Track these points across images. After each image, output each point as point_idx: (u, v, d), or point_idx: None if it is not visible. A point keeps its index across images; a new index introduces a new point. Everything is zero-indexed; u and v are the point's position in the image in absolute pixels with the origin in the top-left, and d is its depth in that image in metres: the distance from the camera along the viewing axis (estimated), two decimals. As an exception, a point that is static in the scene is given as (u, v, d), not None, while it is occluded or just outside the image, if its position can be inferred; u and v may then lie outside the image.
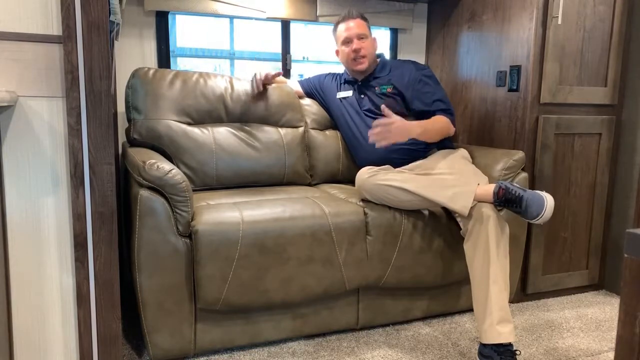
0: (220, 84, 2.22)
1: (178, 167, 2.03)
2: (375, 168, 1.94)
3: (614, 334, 2.02)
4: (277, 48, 2.67)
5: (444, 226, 1.97)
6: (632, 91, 2.36)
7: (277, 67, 2.70)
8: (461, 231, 1.91)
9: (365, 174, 1.92)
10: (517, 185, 1.74)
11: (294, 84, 2.45)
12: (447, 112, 2.13)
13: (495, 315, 1.68)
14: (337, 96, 2.37)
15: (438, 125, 2.07)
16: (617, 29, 2.30)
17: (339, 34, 2.27)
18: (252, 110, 2.24)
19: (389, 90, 2.24)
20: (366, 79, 2.30)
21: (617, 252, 2.45)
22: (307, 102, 2.43)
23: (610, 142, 2.38)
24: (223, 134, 2.15)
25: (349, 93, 2.34)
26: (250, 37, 2.69)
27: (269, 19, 2.55)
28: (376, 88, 2.26)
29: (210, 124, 2.17)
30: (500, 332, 1.67)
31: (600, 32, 2.29)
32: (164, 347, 1.69)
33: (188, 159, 2.06)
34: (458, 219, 1.94)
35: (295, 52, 2.70)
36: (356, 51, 2.22)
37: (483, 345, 1.71)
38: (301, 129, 2.34)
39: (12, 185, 1.31)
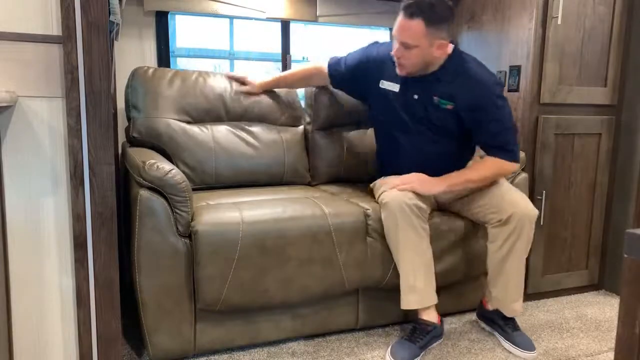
0: (219, 82, 2.21)
1: (177, 166, 2.03)
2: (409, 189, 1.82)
3: (613, 334, 2.02)
4: (277, 48, 2.67)
5: (444, 227, 1.97)
6: (632, 91, 2.36)
7: (278, 67, 2.70)
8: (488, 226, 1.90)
9: (402, 196, 1.80)
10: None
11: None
12: (504, 150, 1.87)
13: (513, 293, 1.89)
14: (381, 85, 1.99)
15: (483, 173, 1.88)
16: (617, 29, 2.30)
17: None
18: (252, 109, 2.24)
19: (449, 107, 1.88)
20: (425, 77, 1.90)
21: (616, 252, 2.45)
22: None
23: (610, 143, 2.38)
24: (222, 132, 2.15)
25: (396, 87, 1.96)
26: (250, 37, 2.68)
27: (268, 19, 2.55)
28: (435, 97, 1.89)
29: (210, 122, 2.17)
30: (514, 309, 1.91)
31: (600, 32, 2.29)
32: (163, 347, 1.69)
33: (187, 157, 2.06)
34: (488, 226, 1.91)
35: (295, 52, 2.70)
36: (396, 56, 1.86)
37: (490, 311, 1.96)
38: (301, 128, 2.33)
39: (12, 186, 1.31)
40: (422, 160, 1.93)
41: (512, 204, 1.83)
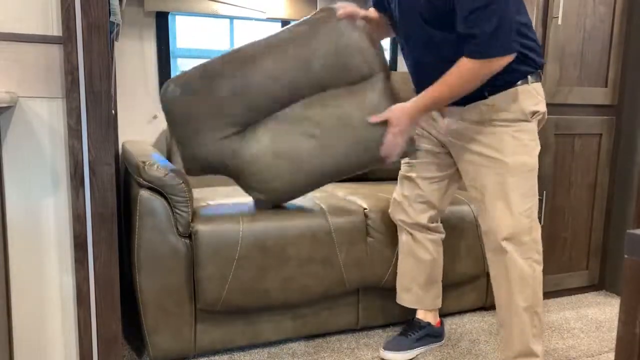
0: (256, 65, 1.62)
1: (252, 195, 1.76)
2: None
3: (614, 334, 2.02)
4: (277, 48, 2.67)
5: (444, 227, 1.97)
6: (632, 91, 2.36)
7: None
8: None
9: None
10: None
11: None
12: (470, 43, 1.38)
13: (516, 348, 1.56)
14: None
15: (448, 81, 1.44)
16: (617, 30, 2.30)
17: None
18: (300, 77, 1.62)
19: None
20: None
21: (617, 252, 2.45)
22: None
23: (611, 143, 2.38)
24: (278, 133, 1.66)
25: None
26: (251, 37, 2.68)
27: (268, 19, 2.55)
28: None
29: (262, 120, 1.68)
30: None
31: (601, 33, 2.28)
32: (164, 348, 1.69)
33: (253, 182, 1.69)
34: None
35: (295, 52, 2.70)
36: None
37: None
38: (379, 82, 1.64)
39: (12, 186, 1.31)
40: (425, 67, 1.56)
41: (491, 226, 1.53)
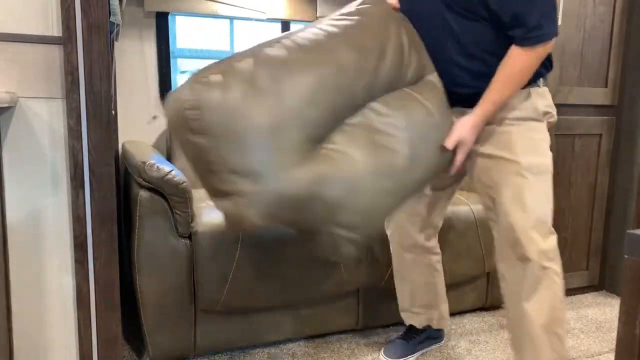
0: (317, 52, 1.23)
1: (335, 238, 1.27)
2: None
3: (614, 335, 2.02)
4: (277, 49, 2.67)
5: (444, 227, 1.97)
6: (632, 91, 2.36)
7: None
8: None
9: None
10: None
11: None
12: (520, 28, 1.29)
13: None
14: None
15: (501, 79, 1.34)
16: (617, 30, 2.30)
17: None
18: (372, 78, 1.28)
19: None
20: None
21: (617, 252, 2.45)
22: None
23: (611, 143, 2.38)
24: (365, 143, 1.25)
25: None
26: (251, 38, 2.68)
27: (269, 19, 2.55)
28: None
29: (336, 128, 1.25)
30: None
31: (601, 33, 2.28)
32: (164, 348, 1.69)
33: (345, 217, 1.23)
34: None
35: (295, 52, 2.70)
36: None
37: None
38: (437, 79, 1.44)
39: (12, 187, 1.31)
40: (440, 63, 1.43)
41: (506, 233, 1.38)
